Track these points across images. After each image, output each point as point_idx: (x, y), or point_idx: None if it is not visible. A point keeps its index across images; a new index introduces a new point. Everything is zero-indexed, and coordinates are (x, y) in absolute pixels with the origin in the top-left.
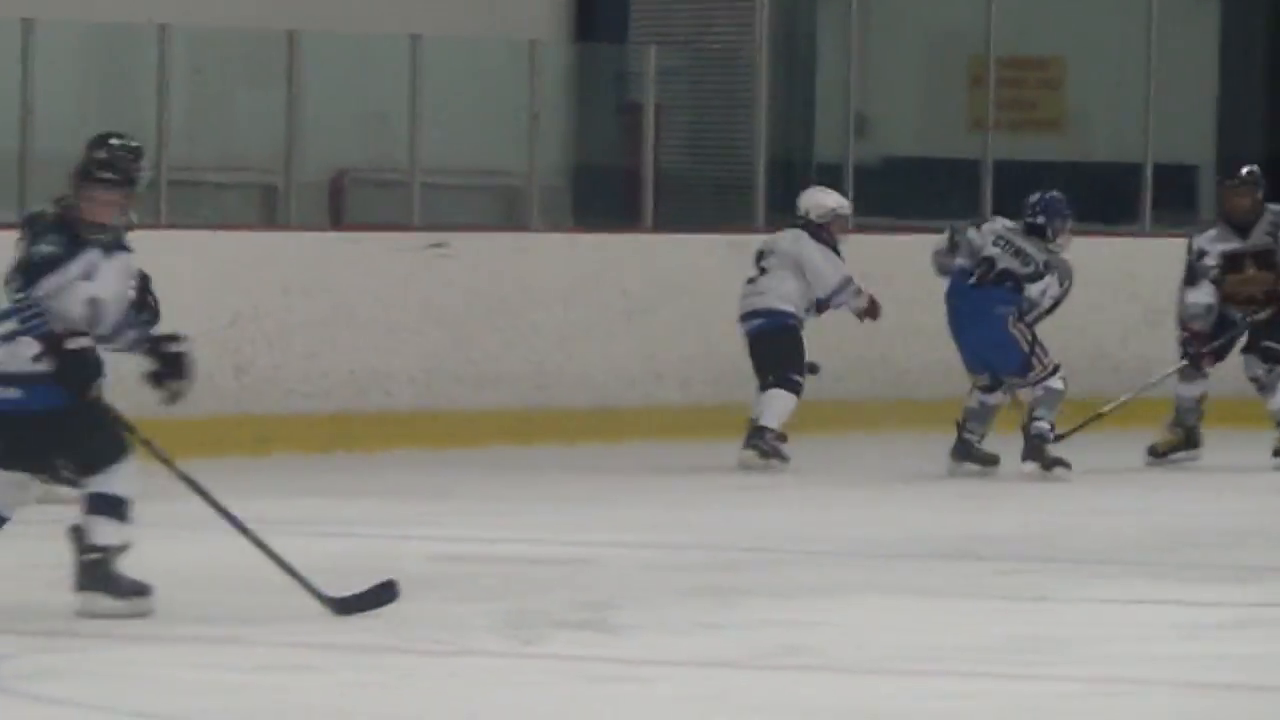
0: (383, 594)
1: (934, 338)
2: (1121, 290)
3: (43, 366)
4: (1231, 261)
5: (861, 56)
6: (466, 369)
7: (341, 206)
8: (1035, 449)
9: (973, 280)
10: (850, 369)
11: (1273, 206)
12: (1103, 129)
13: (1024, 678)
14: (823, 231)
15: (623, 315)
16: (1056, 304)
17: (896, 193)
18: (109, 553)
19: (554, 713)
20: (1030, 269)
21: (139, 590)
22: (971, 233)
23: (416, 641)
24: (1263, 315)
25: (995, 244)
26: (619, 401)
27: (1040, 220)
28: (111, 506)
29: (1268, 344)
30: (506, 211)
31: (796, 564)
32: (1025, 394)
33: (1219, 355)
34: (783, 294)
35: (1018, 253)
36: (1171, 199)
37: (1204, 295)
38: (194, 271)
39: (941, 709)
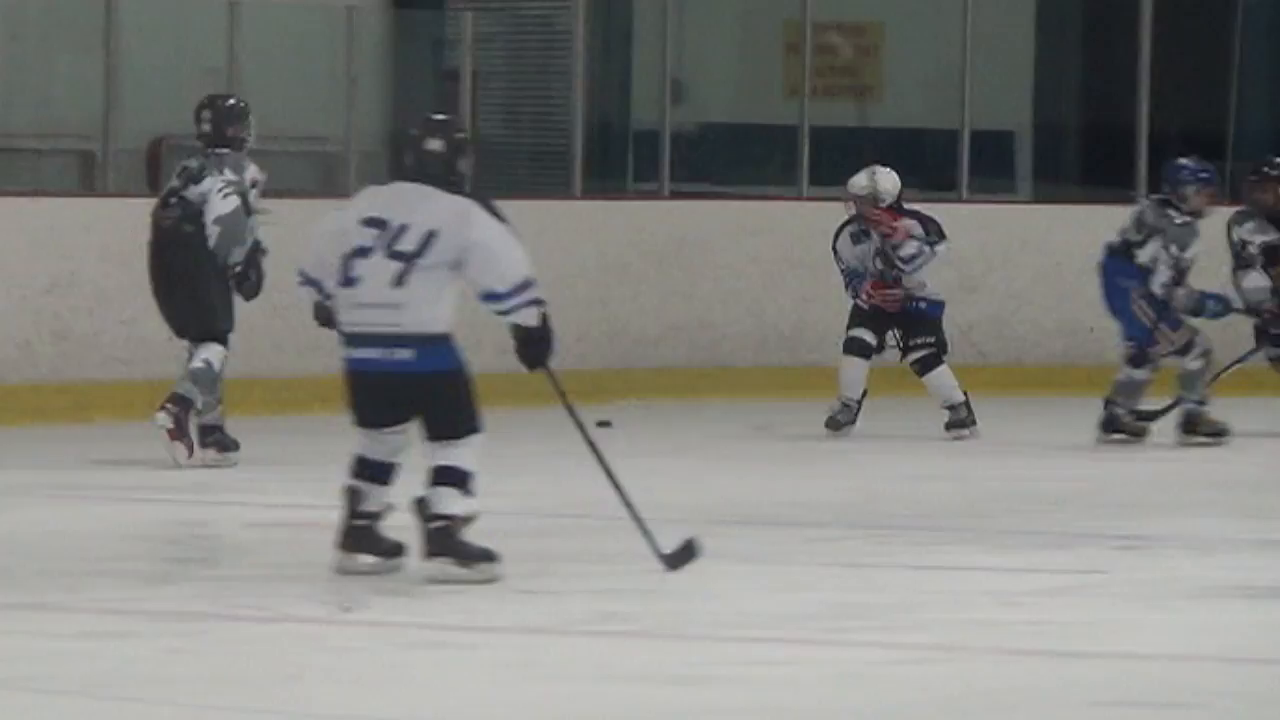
0: (694, 549)
1: (750, 304)
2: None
3: (439, 329)
4: (1272, 253)
5: (678, 22)
6: (286, 336)
7: (159, 173)
8: (1188, 424)
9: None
10: (665, 336)
11: None
12: (920, 95)
13: (841, 644)
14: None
15: None
16: (1179, 270)
17: (713, 159)
18: (455, 521)
19: (372, 677)
20: (1140, 237)
21: (487, 556)
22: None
23: (237, 608)
24: None
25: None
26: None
27: (1165, 191)
28: (458, 479)
29: None
30: (325, 177)
31: (612, 530)
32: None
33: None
34: None
35: (1138, 224)
36: (988, 165)
37: (1262, 279)
38: (11, 238)
39: (759, 675)
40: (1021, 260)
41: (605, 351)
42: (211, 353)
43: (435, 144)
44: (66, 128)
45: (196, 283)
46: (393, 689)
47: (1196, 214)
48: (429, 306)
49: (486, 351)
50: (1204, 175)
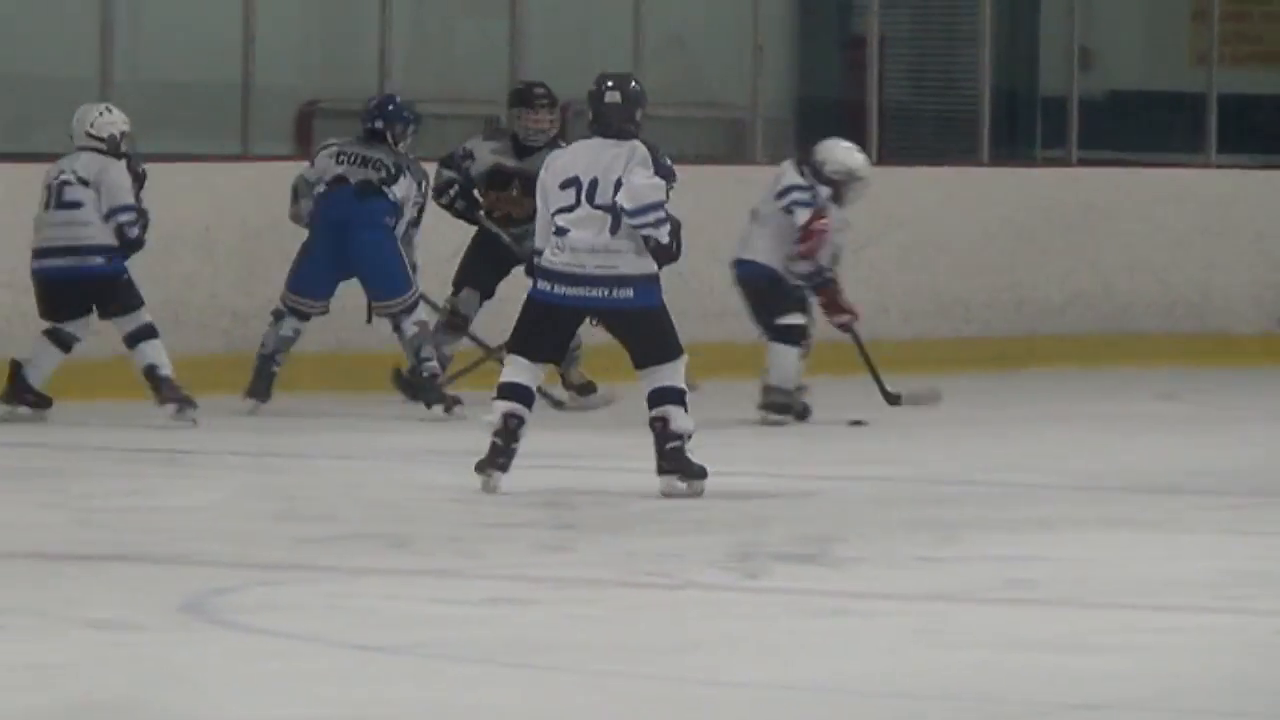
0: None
1: (1158, 272)
2: None
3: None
4: None
5: None
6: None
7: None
8: None
9: None
10: (1070, 303)
11: None
12: None
13: (1242, 612)
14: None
15: (848, 248)
16: None
17: (1121, 127)
18: (685, 439)
19: (775, 645)
20: None
21: (701, 474)
22: None
23: (639, 575)
24: None
25: None
26: (839, 334)
27: None
28: (681, 397)
29: None
30: (732, 145)
31: (1014, 498)
32: None
33: None
34: None
35: None
36: None
37: None
38: None
39: (1154, 642)
40: None
41: (1011, 318)
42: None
43: (614, 96)
44: (471, 93)
45: None
46: (794, 656)
47: None
48: (638, 249)
49: (893, 318)
50: None
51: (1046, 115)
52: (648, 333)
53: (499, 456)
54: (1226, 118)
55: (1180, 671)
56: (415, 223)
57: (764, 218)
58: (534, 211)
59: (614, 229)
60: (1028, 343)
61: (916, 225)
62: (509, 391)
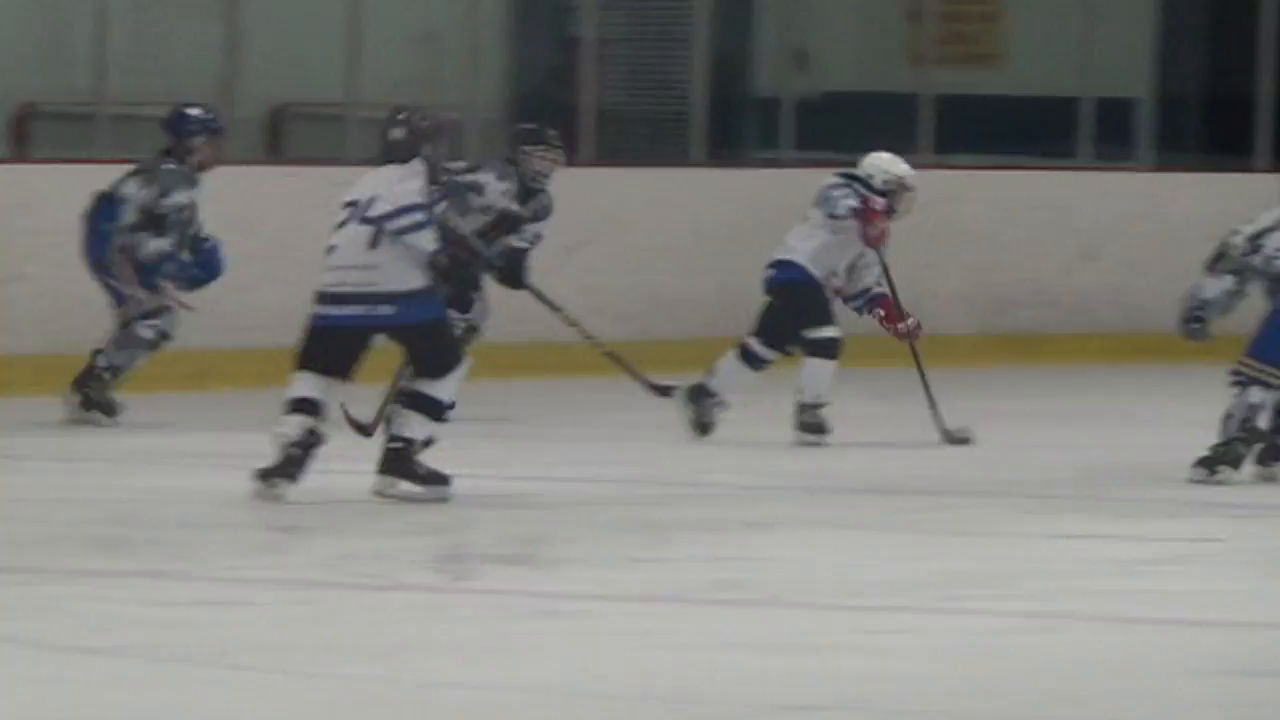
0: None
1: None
2: (1059, 225)
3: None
4: None
5: None
6: None
7: (281, 140)
8: None
9: None
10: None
11: None
12: (1041, 62)
13: (954, 613)
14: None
15: (560, 249)
16: None
17: (836, 127)
18: (413, 444)
19: (486, 646)
20: None
21: (430, 479)
22: None
23: (351, 576)
24: None
25: None
26: (557, 335)
27: None
28: (430, 405)
29: None
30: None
31: (724, 499)
32: None
33: None
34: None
35: None
36: (1109, 133)
37: None
38: None
39: (872, 643)
40: (1141, 229)
41: (727, 320)
42: None
43: (397, 133)
44: (188, 95)
45: None
46: (505, 658)
47: None
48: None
49: (606, 319)
50: None
51: (761, 116)
52: (418, 348)
53: (291, 467)
54: (941, 118)
55: (893, 672)
56: (141, 227)
57: (812, 227)
58: None
59: (373, 242)
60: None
61: (631, 227)
62: (301, 406)
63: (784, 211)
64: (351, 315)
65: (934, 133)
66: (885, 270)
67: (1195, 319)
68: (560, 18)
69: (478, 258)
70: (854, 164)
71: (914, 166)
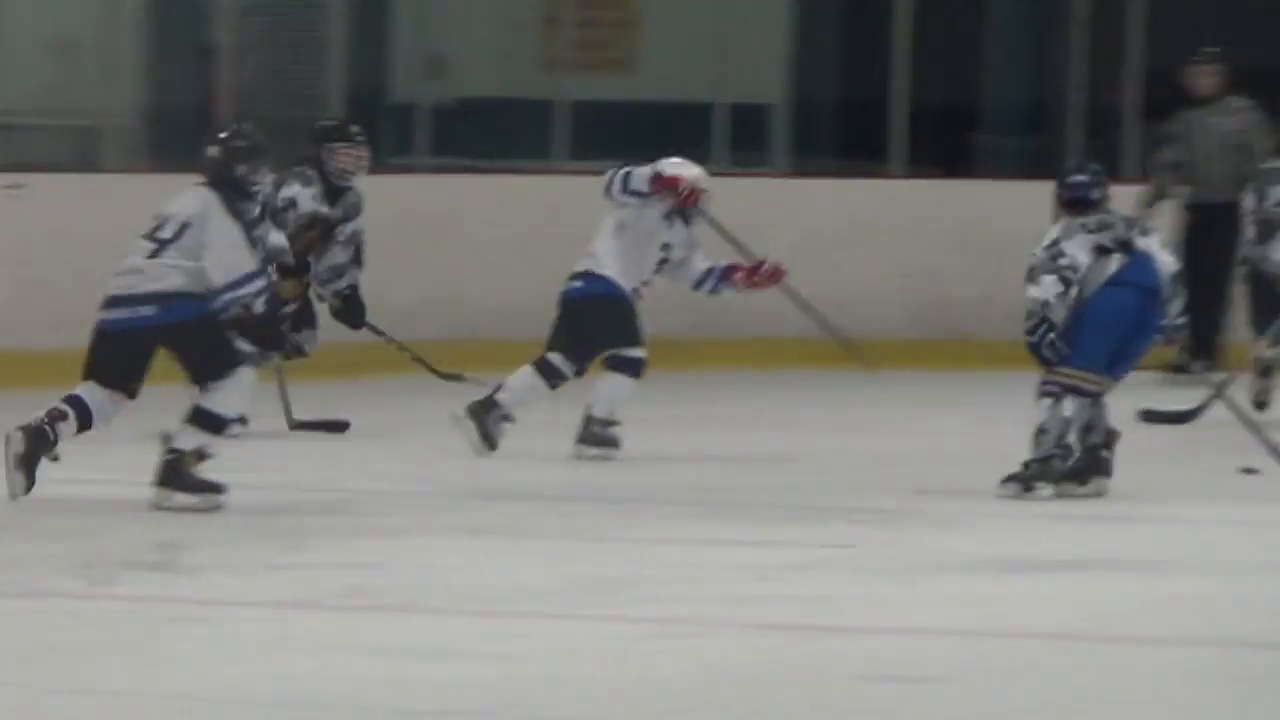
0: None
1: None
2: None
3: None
4: None
5: None
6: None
7: None
8: None
9: None
10: (419, 310)
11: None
12: (676, 69)
13: (592, 618)
14: None
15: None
16: None
17: (472, 133)
18: (183, 454)
19: (125, 653)
20: None
21: (202, 488)
22: None
23: None
24: None
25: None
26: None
27: None
28: (206, 418)
29: None
30: (81, 154)
31: (362, 504)
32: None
33: None
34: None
35: None
36: (745, 139)
37: None
38: None
39: (507, 649)
40: (776, 233)
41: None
42: None
43: (213, 151)
44: None
45: None
46: (142, 664)
47: None
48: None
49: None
50: None
51: (398, 123)
52: (185, 353)
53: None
54: (576, 124)
55: (527, 676)
56: None
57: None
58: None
59: (153, 255)
60: (376, 350)
61: None
62: (73, 402)
63: (421, 217)
64: (118, 319)
65: (569, 139)
66: (717, 225)
67: (1044, 324)
68: (198, 25)
69: (279, 320)
70: (490, 171)
71: (549, 173)
